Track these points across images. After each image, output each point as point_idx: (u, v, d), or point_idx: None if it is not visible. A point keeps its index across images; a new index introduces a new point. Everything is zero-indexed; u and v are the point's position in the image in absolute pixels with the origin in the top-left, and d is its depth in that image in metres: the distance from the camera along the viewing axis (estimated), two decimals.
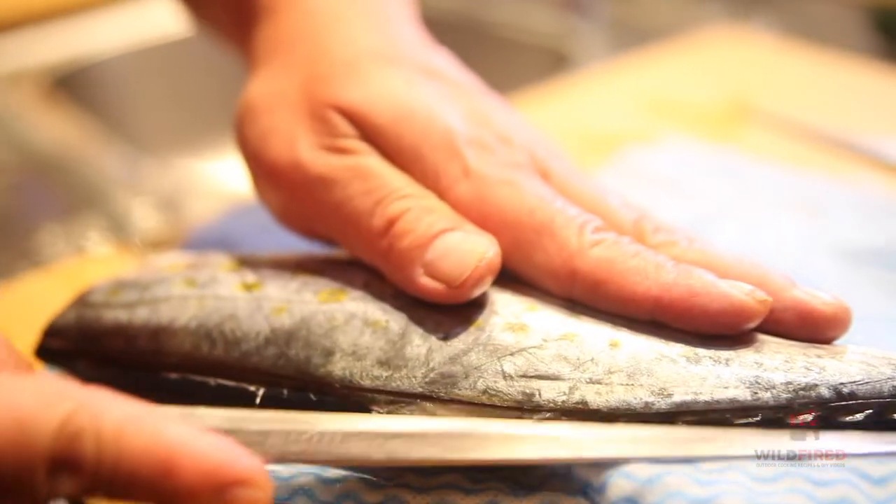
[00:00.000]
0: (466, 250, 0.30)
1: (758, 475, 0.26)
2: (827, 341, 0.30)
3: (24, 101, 0.78)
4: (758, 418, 0.28)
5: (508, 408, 0.29)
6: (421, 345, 0.30)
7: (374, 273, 0.33)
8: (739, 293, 0.29)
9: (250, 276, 0.34)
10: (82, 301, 0.36)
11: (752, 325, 0.29)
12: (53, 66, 0.84)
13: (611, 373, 0.28)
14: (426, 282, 0.31)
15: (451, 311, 0.31)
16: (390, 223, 0.31)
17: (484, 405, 0.29)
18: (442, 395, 0.29)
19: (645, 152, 0.51)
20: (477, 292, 0.30)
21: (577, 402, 0.28)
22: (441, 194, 0.32)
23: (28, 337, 0.38)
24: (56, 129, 0.72)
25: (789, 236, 0.43)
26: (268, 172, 0.35)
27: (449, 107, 0.34)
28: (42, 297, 0.43)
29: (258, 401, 0.31)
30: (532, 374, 0.29)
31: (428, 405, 0.29)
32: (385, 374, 0.30)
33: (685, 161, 0.49)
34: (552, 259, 0.31)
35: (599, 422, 0.28)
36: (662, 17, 0.80)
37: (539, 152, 0.34)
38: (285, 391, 0.31)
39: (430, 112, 0.33)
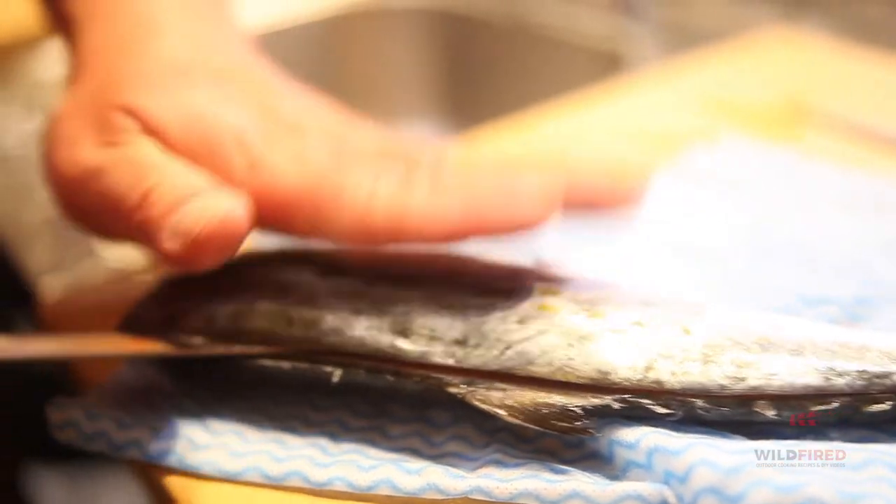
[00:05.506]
0: (205, 206, 0.31)
1: (843, 463, 0.26)
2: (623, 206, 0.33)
3: None
4: (835, 405, 0.28)
5: (583, 385, 0.29)
6: (497, 327, 0.31)
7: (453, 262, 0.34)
8: (527, 190, 0.30)
9: (327, 265, 0.35)
10: (161, 287, 0.37)
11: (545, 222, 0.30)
12: None
13: (685, 356, 0.29)
14: (169, 244, 0.31)
15: (526, 297, 0.32)
16: (145, 196, 0.32)
17: (559, 382, 0.30)
18: (518, 371, 0.30)
19: (706, 152, 0.51)
20: (216, 251, 0.31)
21: (652, 382, 0.29)
22: (235, 189, 0.33)
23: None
24: None
25: (850, 235, 0.43)
26: (55, 179, 0.35)
27: (237, 108, 0.35)
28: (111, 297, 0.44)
29: (335, 380, 0.32)
30: (606, 355, 0.30)
31: (503, 385, 0.30)
32: (461, 351, 0.31)
33: (746, 161, 0.50)
34: (348, 220, 0.32)
35: (671, 402, 0.29)
36: (712, 19, 0.80)
37: (334, 128, 0.35)
38: (362, 372, 0.32)
39: (216, 113, 0.34)
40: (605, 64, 0.76)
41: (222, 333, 0.34)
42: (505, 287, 0.32)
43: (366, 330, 0.32)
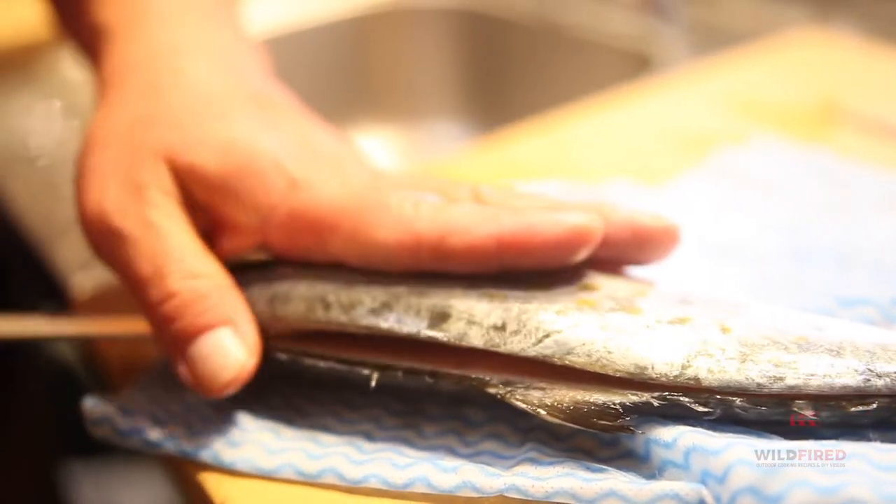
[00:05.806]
0: (224, 356, 0.32)
1: (881, 464, 0.26)
2: (657, 257, 0.34)
3: None
4: (873, 406, 0.28)
5: (620, 379, 0.29)
6: (536, 316, 0.31)
7: None
8: (574, 218, 0.31)
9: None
10: None
11: (591, 246, 0.31)
12: None
13: (723, 354, 0.29)
14: (185, 374, 0.32)
15: (566, 290, 0.32)
16: (162, 301, 0.32)
17: (597, 378, 0.30)
18: (555, 360, 0.30)
19: (738, 153, 0.51)
20: (224, 392, 0.32)
21: (689, 379, 0.29)
22: (272, 209, 0.33)
23: None
24: None
25: (885, 235, 0.42)
26: (81, 215, 0.35)
27: (272, 133, 0.35)
28: None
29: (373, 384, 0.32)
30: (644, 350, 0.29)
31: (542, 384, 0.30)
32: (499, 337, 0.31)
33: (780, 162, 0.50)
34: (393, 231, 0.32)
35: (709, 400, 0.29)
36: (741, 19, 0.80)
37: (365, 168, 0.36)
38: (400, 374, 0.32)
39: (251, 139, 0.34)
40: (633, 64, 0.76)
41: (258, 319, 0.34)
42: (544, 280, 0.32)
43: (404, 312, 0.32)
